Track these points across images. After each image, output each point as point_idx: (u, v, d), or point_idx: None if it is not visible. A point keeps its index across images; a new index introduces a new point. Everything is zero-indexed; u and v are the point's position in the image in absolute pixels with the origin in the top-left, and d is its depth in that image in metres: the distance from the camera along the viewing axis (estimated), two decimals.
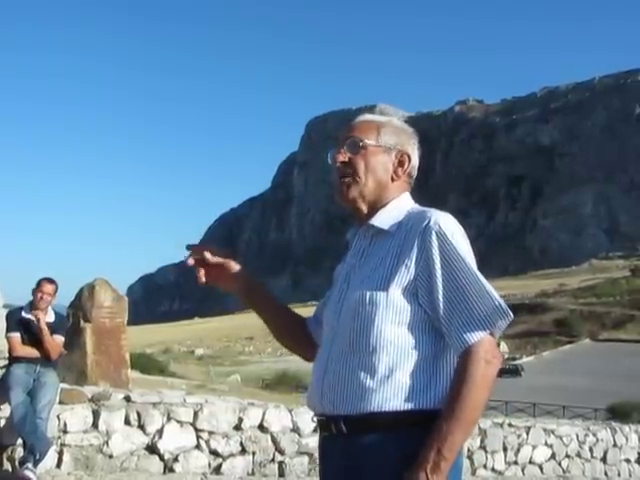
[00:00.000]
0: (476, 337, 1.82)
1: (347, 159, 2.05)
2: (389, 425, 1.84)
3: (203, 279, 2.13)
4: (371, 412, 1.84)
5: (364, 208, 2.05)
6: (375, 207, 2.04)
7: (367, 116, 2.16)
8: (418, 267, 1.88)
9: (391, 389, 1.85)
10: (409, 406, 1.84)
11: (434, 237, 1.87)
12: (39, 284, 5.92)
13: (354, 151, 2.04)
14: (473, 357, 1.80)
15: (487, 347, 1.82)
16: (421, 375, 1.87)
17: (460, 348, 1.83)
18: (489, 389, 1.81)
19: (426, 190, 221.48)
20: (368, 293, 1.90)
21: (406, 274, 1.89)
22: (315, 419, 2.05)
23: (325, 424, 1.98)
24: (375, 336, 1.88)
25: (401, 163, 2.07)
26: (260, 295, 2.24)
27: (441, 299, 1.86)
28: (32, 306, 5.91)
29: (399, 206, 2.04)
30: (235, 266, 2.17)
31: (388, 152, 2.06)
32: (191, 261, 2.12)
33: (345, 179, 2.04)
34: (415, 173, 2.13)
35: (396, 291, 1.88)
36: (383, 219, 2.01)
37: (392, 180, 2.06)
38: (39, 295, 5.88)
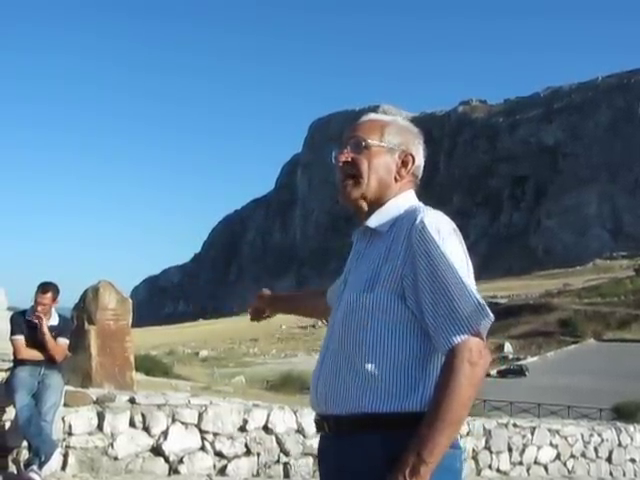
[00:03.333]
0: (460, 338, 1.79)
1: (350, 159, 2.05)
2: (376, 426, 1.84)
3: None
4: (358, 413, 1.85)
5: (366, 208, 2.05)
6: (377, 206, 2.04)
7: (371, 115, 2.16)
8: (405, 268, 1.87)
9: (378, 390, 1.84)
10: (396, 408, 1.83)
11: (418, 236, 1.85)
12: (35, 294, 5.89)
13: (357, 151, 2.04)
14: (457, 358, 1.78)
15: (472, 348, 1.79)
16: (409, 377, 1.86)
17: (445, 349, 1.81)
18: (474, 390, 1.78)
19: (430, 190, 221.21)
20: (356, 294, 1.91)
21: (393, 275, 1.88)
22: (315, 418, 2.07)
23: (319, 424, 2.00)
24: (362, 337, 1.88)
25: (405, 163, 2.07)
26: (283, 304, 2.78)
27: (425, 300, 1.84)
28: (34, 311, 5.91)
29: (396, 206, 2.03)
30: (264, 300, 2.71)
31: (391, 152, 2.06)
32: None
33: (348, 179, 2.04)
34: (420, 173, 2.13)
35: (383, 292, 1.88)
36: (378, 220, 2.01)
37: (395, 180, 2.06)
38: (35, 306, 5.86)
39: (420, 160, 2.11)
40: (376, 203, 2.04)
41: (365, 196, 2.04)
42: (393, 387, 1.85)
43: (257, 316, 2.77)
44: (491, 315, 1.83)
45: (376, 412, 1.83)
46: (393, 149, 2.06)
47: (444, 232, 1.87)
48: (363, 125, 2.10)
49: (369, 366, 1.86)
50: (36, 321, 5.80)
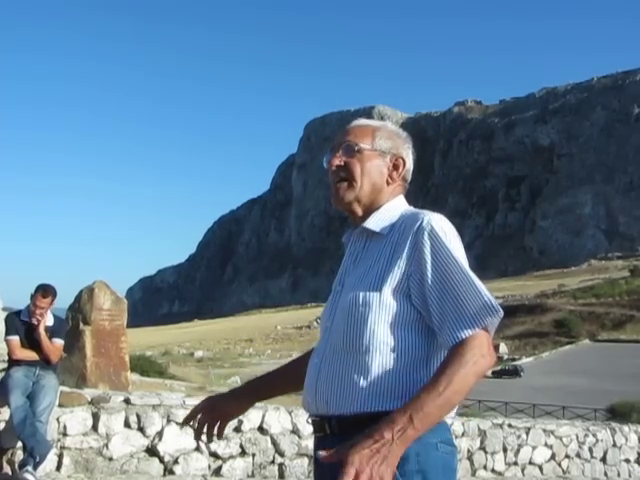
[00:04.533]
0: (469, 333, 1.81)
1: (343, 163, 2.07)
2: None
3: (220, 435, 2.25)
4: (364, 412, 1.85)
5: (359, 211, 2.08)
6: (370, 210, 2.07)
7: (362, 120, 2.19)
8: (410, 267, 1.89)
9: (384, 389, 1.85)
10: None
11: (426, 237, 1.88)
12: (34, 295, 5.86)
13: (350, 155, 2.07)
14: (468, 346, 1.79)
15: (483, 341, 1.81)
16: (415, 375, 1.87)
17: (450, 345, 1.82)
18: (474, 381, 1.80)
19: (425, 191, 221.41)
20: (361, 294, 1.92)
21: (399, 275, 1.90)
22: (309, 420, 2.05)
23: (319, 424, 1.98)
24: (368, 337, 1.89)
25: (396, 167, 2.10)
26: (263, 390, 2.35)
27: (433, 298, 1.86)
28: (30, 312, 5.89)
29: (392, 208, 2.06)
30: (232, 403, 2.27)
31: (383, 156, 2.09)
32: (198, 435, 2.25)
33: (341, 183, 2.07)
34: (409, 177, 2.17)
35: (389, 292, 1.90)
36: (376, 222, 2.04)
37: (387, 184, 2.09)
38: (32, 308, 5.84)
39: (410, 164, 2.14)
40: (370, 206, 2.07)
41: (359, 199, 2.06)
42: (400, 386, 1.85)
43: (209, 432, 2.22)
44: (501, 311, 1.85)
45: (383, 411, 1.82)
46: (384, 153, 2.09)
47: (450, 234, 1.91)
48: (354, 130, 2.13)
49: (376, 365, 1.86)
50: (36, 322, 5.79)
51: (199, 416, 2.22)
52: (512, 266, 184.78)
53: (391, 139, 2.11)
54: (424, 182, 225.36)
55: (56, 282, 6.11)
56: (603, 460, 10.84)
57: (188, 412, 2.28)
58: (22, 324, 5.89)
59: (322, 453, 1.73)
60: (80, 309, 7.57)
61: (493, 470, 9.15)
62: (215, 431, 2.22)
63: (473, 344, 1.79)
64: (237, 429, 6.92)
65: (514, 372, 52.50)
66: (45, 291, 5.89)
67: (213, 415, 2.22)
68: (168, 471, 6.46)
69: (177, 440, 6.55)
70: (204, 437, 2.23)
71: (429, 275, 1.86)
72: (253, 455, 7.00)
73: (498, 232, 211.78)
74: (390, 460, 1.67)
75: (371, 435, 1.70)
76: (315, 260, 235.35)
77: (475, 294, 1.84)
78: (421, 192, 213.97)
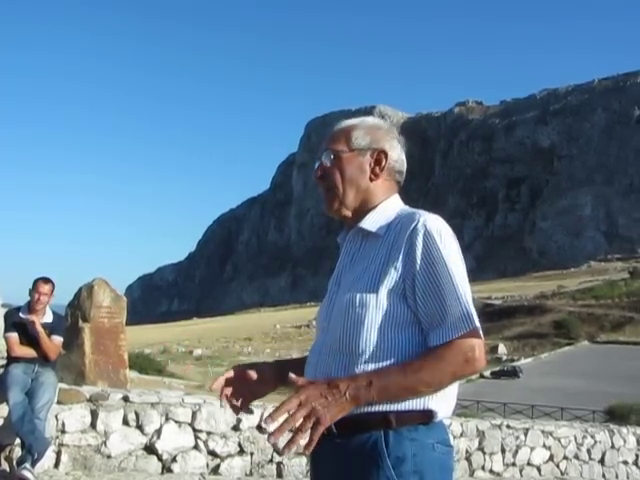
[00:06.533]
0: (451, 337, 1.80)
1: (322, 173, 2.07)
2: (380, 426, 1.84)
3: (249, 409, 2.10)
4: (362, 413, 1.83)
5: (349, 214, 2.07)
6: (362, 210, 2.05)
7: (341, 123, 2.16)
8: (405, 268, 1.88)
9: None
10: (400, 407, 1.83)
11: (421, 238, 1.87)
12: (35, 284, 5.88)
13: (329, 163, 2.06)
14: (452, 347, 1.79)
15: (471, 346, 1.80)
16: None
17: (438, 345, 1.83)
18: (451, 380, 1.80)
19: (426, 191, 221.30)
20: (358, 295, 1.91)
21: (395, 276, 1.89)
22: None
23: None
24: (365, 338, 1.88)
25: (378, 161, 2.07)
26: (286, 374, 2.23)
27: (420, 299, 1.86)
28: (29, 307, 5.90)
29: (388, 208, 2.04)
30: (262, 372, 2.12)
31: (362, 154, 2.06)
32: (226, 403, 2.07)
33: (327, 192, 2.07)
34: (402, 167, 2.12)
35: (385, 293, 1.88)
36: (372, 222, 2.02)
37: (371, 180, 2.06)
38: (36, 296, 5.85)
39: (396, 154, 2.10)
40: (360, 207, 2.05)
41: (345, 205, 2.05)
42: None
43: (235, 404, 2.06)
44: (476, 323, 1.83)
45: (379, 412, 1.83)
46: (363, 150, 2.06)
47: (445, 235, 1.89)
48: (332, 135, 2.12)
49: (373, 367, 1.85)
50: (32, 322, 5.79)
51: (228, 386, 2.06)
52: (511, 267, 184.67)
53: (369, 134, 2.08)
54: (424, 182, 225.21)
55: (55, 279, 6.10)
56: (601, 462, 10.83)
57: (217, 380, 2.06)
58: (21, 321, 5.89)
59: (292, 376, 1.77)
60: (79, 306, 7.57)
61: (491, 471, 9.15)
62: (239, 403, 2.07)
63: (460, 346, 1.78)
64: (235, 428, 6.92)
65: (513, 373, 52.55)
66: (45, 279, 5.94)
67: (245, 386, 2.08)
68: (166, 469, 6.46)
69: (175, 438, 6.55)
70: (228, 405, 2.06)
71: (418, 276, 1.86)
72: (251, 454, 6.99)
73: (498, 233, 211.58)
74: (332, 409, 1.72)
75: (330, 381, 1.75)
76: (315, 259, 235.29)
77: (455, 300, 1.83)
78: (421, 192, 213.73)
